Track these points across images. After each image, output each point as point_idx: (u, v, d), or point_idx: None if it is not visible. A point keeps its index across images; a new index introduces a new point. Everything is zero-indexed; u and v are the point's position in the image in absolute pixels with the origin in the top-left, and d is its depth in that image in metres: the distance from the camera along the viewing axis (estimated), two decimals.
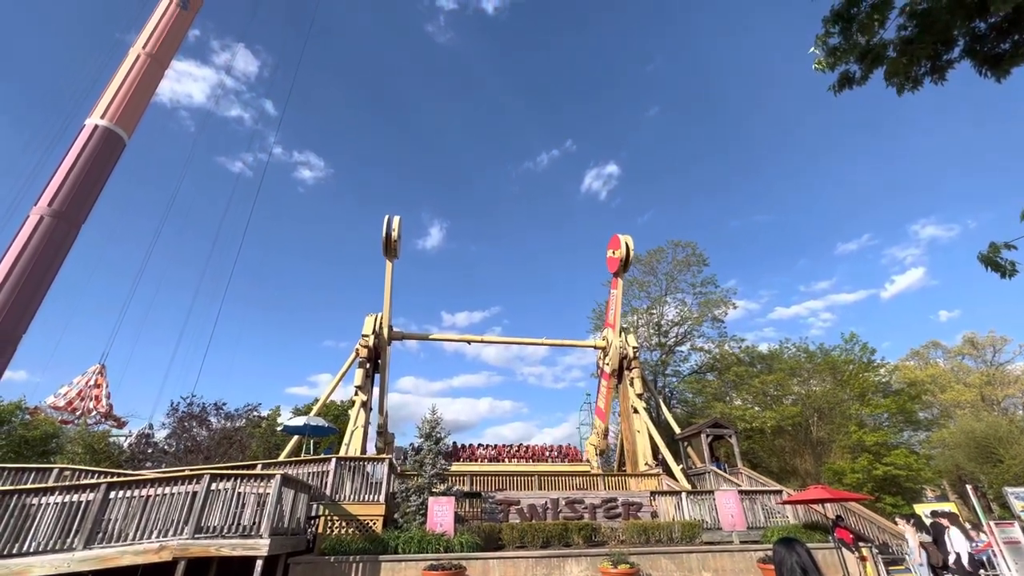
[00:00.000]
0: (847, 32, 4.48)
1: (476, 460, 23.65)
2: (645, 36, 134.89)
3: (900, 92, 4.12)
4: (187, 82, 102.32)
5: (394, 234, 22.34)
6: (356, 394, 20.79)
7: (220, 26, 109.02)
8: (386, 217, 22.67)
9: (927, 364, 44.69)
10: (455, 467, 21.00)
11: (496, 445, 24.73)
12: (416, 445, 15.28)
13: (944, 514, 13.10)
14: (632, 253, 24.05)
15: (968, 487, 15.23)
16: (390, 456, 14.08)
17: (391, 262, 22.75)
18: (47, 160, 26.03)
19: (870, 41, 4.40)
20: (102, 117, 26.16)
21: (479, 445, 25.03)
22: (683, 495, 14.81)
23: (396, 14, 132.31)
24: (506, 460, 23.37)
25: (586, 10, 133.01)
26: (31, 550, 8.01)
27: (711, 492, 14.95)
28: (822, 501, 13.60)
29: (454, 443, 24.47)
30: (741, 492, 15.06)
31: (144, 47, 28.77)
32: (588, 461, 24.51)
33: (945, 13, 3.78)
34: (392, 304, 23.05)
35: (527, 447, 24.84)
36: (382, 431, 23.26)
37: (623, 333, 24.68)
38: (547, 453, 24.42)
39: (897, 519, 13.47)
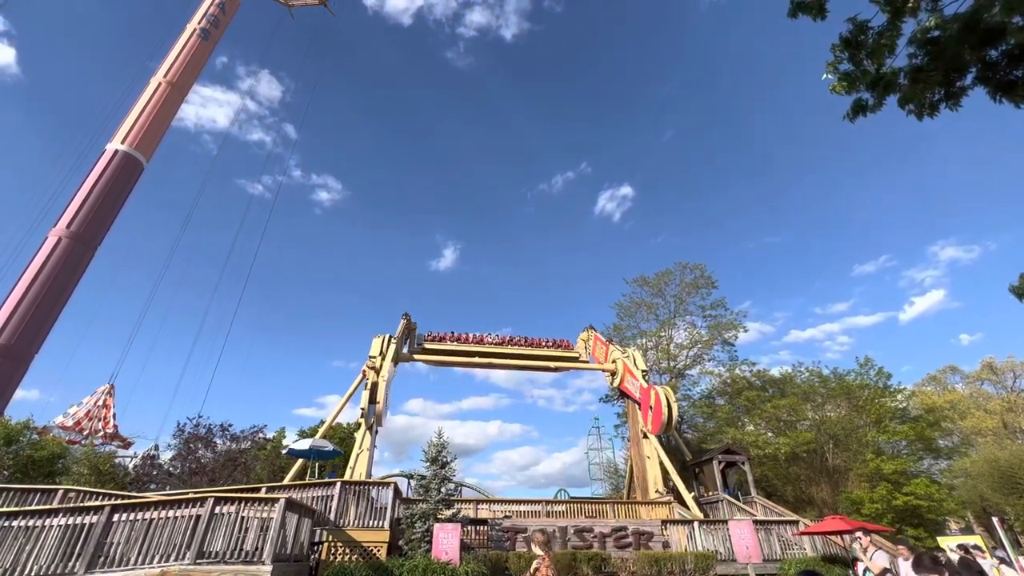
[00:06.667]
0: (856, 58, 4.51)
1: (482, 343, 25.57)
2: (661, 59, 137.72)
3: (920, 118, 4.11)
4: (212, 107, 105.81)
5: (379, 403, 16.95)
6: (362, 416, 20.61)
7: (247, 52, 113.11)
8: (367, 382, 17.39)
9: (945, 389, 43.52)
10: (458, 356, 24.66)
11: (500, 335, 27.40)
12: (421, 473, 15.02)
13: (965, 547, 12.52)
14: (675, 416, 19.62)
15: (994, 519, 14.59)
16: (395, 481, 13.85)
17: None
18: (69, 181, 26.76)
19: (880, 69, 4.43)
20: (122, 142, 26.94)
21: (487, 334, 27.18)
22: (696, 524, 14.38)
23: (417, 41, 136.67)
24: (508, 346, 25.85)
25: (603, 35, 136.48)
26: (32, 574, 7.89)
27: (725, 522, 14.52)
28: (840, 532, 13.13)
29: (465, 333, 26.56)
30: (756, 522, 14.60)
31: (165, 76, 29.78)
32: (579, 352, 26.73)
33: (955, 43, 3.79)
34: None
35: (526, 338, 27.23)
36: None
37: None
38: (544, 343, 27.04)
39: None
